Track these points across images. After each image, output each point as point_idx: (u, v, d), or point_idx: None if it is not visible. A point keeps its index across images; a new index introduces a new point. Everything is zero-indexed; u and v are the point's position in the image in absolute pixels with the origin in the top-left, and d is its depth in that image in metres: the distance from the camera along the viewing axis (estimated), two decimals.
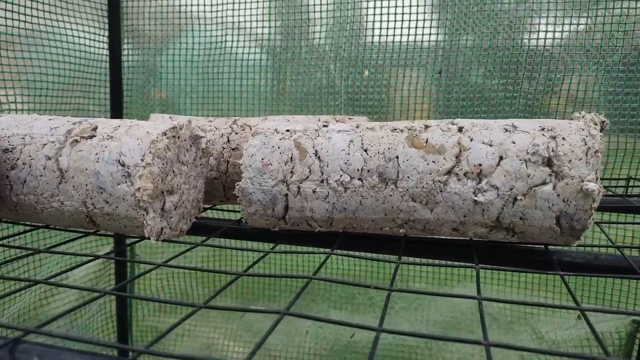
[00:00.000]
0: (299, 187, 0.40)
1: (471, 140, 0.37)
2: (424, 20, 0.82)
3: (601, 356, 0.24)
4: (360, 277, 1.04)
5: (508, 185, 0.35)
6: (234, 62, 0.94)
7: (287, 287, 1.11)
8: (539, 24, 0.77)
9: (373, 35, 0.85)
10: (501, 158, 0.36)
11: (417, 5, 0.82)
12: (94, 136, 0.40)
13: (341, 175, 0.39)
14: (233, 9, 0.93)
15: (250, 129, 0.51)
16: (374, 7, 0.84)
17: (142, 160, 0.37)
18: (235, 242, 0.48)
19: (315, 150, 0.40)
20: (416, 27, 0.83)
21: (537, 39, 0.78)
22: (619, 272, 0.40)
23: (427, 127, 0.39)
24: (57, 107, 0.89)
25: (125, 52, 0.99)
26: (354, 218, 0.40)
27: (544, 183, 0.35)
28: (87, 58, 0.93)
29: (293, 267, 1.06)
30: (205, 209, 0.57)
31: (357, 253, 0.43)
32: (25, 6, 0.78)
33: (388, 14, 0.83)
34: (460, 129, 0.38)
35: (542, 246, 0.41)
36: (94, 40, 0.94)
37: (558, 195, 0.35)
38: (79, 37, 0.91)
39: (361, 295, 1.08)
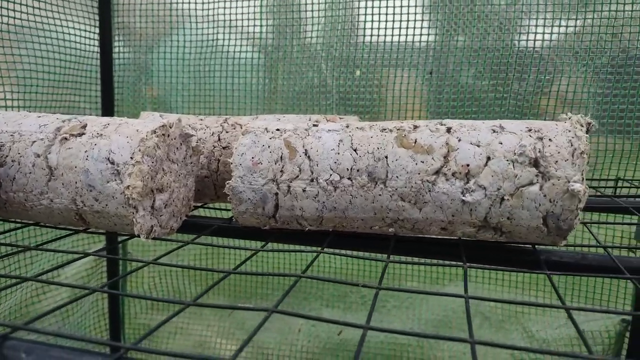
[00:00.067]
0: (289, 186, 0.40)
1: (459, 140, 0.37)
2: (415, 20, 0.82)
3: (584, 354, 0.25)
4: (352, 275, 1.04)
5: (495, 186, 0.36)
6: (226, 60, 0.94)
7: (279, 285, 1.11)
8: (529, 25, 0.78)
9: (364, 35, 0.85)
10: (489, 158, 0.36)
11: (409, 6, 0.82)
12: (84, 134, 0.40)
13: (331, 175, 0.39)
14: (224, 7, 0.93)
15: (241, 128, 0.51)
16: (366, 7, 0.84)
17: (131, 158, 0.37)
18: (226, 241, 0.48)
19: (305, 150, 0.40)
20: (407, 28, 0.83)
21: (527, 40, 0.78)
22: (606, 271, 0.40)
23: (416, 127, 0.39)
24: (48, 104, 0.88)
25: (117, 50, 0.99)
26: (344, 217, 0.41)
27: (531, 183, 0.36)
28: (78, 55, 0.93)
29: (284, 265, 1.06)
30: (196, 208, 0.57)
31: (346, 252, 0.43)
32: (14, 2, 0.78)
33: (379, 14, 0.84)
34: (448, 130, 0.38)
35: (530, 246, 0.42)
36: (85, 37, 0.94)
37: (545, 196, 0.35)
38: (70, 33, 0.90)
39: (353, 294, 1.08)
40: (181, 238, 0.43)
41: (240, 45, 0.94)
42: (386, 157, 0.38)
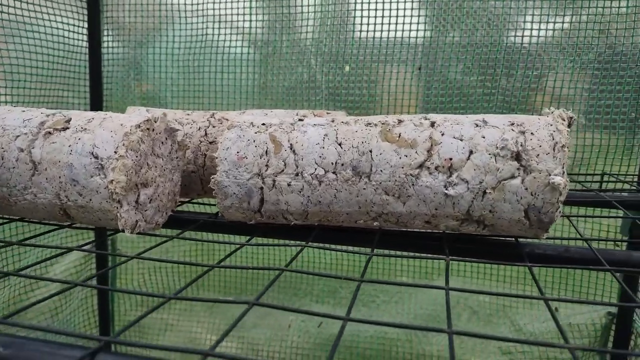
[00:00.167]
0: (274, 181, 0.40)
1: (442, 134, 0.37)
2: (404, 16, 0.82)
3: (560, 343, 0.25)
4: (341, 270, 1.05)
5: (478, 179, 0.36)
6: (215, 55, 0.93)
7: (269, 280, 1.11)
8: (517, 21, 0.78)
9: (354, 31, 0.85)
10: (471, 152, 0.36)
11: (398, 2, 0.82)
12: (68, 128, 0.40)
13: (316, 169, 0.39)
14: (214, 1, 0.92)
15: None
16: (355, 3, 0.84)
17: (115, 152, 0.37)
18: (212, 236, 0.48)
19: (291, 144, 0.40)
20: (397, 23, 0.83)
21: (515, 36, 0.79)
22: (587, 263, 0.41)
23: (400, 121, 0.39)
24: (36, 99, 0.88)
25: (106, 45, 0.98)
26: (329, 211, 0.41)
27: (513, 177, 0.36)
28: (66, 50, 0.92)
29: (272, 260, 1.06)
30: (182, 203, 0.57)
31: (331, 245, 0.43)
32: None
33: (369, 9, 0.84)
34: (432, 124, 0.38)
35: (513, 239, 0.42)
36: (74, 32, 0.93)
37: (526, 189, 0.36)
38: (58, 28, 0.90)
39: (343, 290, 1.09)
40: (167, 233, 0.43)
41: (230, 41, 0.93)
42: (370, 151, 0.39)
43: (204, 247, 1.08)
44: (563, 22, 0.76)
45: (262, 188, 0.41)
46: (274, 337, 1.10)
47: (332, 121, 0.42)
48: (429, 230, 0.43)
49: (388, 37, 0.84)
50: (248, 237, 0.43)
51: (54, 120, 0.41)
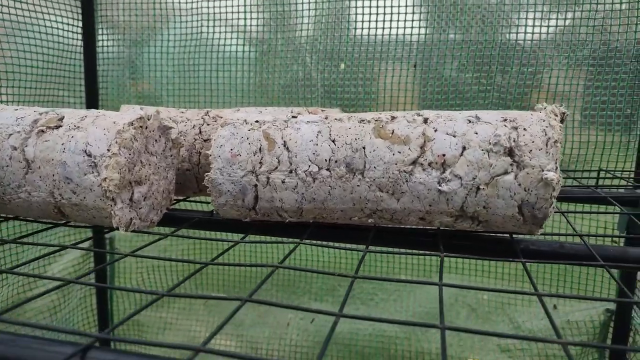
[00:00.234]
0: (268, 178, 0.40)
1: (435, 131, 0.37)
2: (399, 14, 0.82)
3: (551, 338, 0.25)
4: (338, 267, 1.05)
5: (471, 175, 0.36)
6: (210, 53, 0.93)
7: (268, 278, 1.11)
8: (511, 18, 0.78)
9: (349, 29, 0.85)
10: (464, 148, 0.36)
11: None
12: (61, 126, 0.39)
13: (309, 166, 0.39)
14: (209, 0, 0.92)
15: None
16: (349, 0, 0.84)
17: (108, 150, 0.37)
18: (207, 234, 0.48)
19: (284, 141, 0.40)
20: (391, 21, 0.83)
21: (509, 33, 0.79)
22: (581, 259, 0.41)
23: (393, 118, 0.39)
24: (32, 98, 0.88)
25: (100, 43, 0.98)
26: (323, 208, 0.41)
27: (506, 172, 0.36)
28: (61, 49, 0.92)
29: (268, 258, 1.06)
30: (178, 201, 0.57)
31: (325, 242, 0.43)
32: None
33: (363, 7, 0.84)
34: (425, 120, 0.38)
35: (508, 235, 0.42)
36: (69, 30, 0.93)
37: (519, 185, 0.36)
38: (53, 27, 0.89)
39: (342, 288, 1.09)
40: (162, 231, 0.43)
41: (225, 39, 0.93)
42: (364, 147, 0.39)
43: (202, 246, 1.08)
44: (557, 19, 0.76)
45: (256, 185, 0.41)
46: (273, 336, 1.10)
47: (326, 118, 0.42)
48: (424, 227, 0.43)
49: (383, 35, 0.84)
50: (243, 235, 0.43)
51: (47, 118, 0.41)
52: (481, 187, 0.36)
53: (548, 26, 0.77)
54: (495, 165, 0.36)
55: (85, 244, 0.42)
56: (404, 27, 0.83)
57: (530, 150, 0.35)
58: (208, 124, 0.51)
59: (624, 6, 0.73)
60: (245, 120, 0.42)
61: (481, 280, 1.00)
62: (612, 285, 0.92)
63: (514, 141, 0.36)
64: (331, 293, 1.10)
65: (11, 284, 0.90)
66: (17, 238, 0.42)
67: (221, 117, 0.52)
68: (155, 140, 0.42)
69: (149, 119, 0.41)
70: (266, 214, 0.43)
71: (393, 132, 0.38)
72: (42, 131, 0.39)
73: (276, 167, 0.40)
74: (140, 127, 0.40)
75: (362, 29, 0.84)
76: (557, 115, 0.37)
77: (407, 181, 0.38)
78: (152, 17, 0.95)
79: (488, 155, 0.36)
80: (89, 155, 0.38)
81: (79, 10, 0.94)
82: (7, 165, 0.40)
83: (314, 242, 0.41)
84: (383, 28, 0.84)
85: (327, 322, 1.08)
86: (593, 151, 0.81)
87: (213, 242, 1.06)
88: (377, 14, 0.83)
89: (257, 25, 0.91)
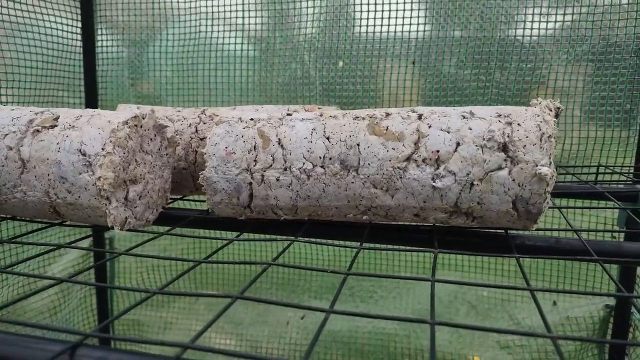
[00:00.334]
0: (262, 176, 0.40)
1: (429, 127, 0.37)
2: (397, 10, 0.82)
3: (539, 332, 0.25)
4: (336, 266, 1.05)
5: (465, 171, 0.36)
6: (209, 52, 0.93)
7: (267, 277, 1.11)
8: (509, 14, 0.78)
9: (347, 27, 0.85)
10: (458, 144, 0.36)
11: None
12: (56, 126, 0.40)
13: (304, 163, 0.39)
14: None
15: None
16: None
17: (102, 149, 0.37)
18: (202, 232, 0.48)
19: (279, 139, 0.40)
20: (389, 18, 0.83)
21: (508, 29, 0.79)
22: (577, 254, 0.41)
23: (387, 114, 0.39)
24: (32, 99, 0.88)
25: (100, 43, 0.98)
26: (318, 205, 0.41)
27: (500, 168, 0.36)
28: (61, 50, 0.92)
29: (264, 256, 1.07)
30: (174, 200, 0.57)
31: (320, 240, 0.43)
32: None
33: (361, 4, 0.84)
34: (419, 117, 0.38)
35: (503, 231, 0.42)
36: (68, 31, 0.93)
37: (513, 180, 0.36)
38: (52, 27, 0.90)
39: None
40: (157, 230, 0.43)
41: (224, 38, 0.93)
42: (358, 144, 0.39)
43: (201, 245, 1.08)
44: (556, 14, 0.76)
45: (250, 183, 0.41)
46: (273, 334, 1.10)
47: (321, 115, 0.42)
48: (419, 224, 0.43)
49: (381, 32, 0.83)
50: (238, 233, 0.43)
51: (42, 118, 0.41)
52: (475, 182, 0.36)
53: (547, 22, 0.77)
54: (489, 160, 0.36)
55: (86, 244, 0.42)
56: (402, 24, 0.83)
57: (525, 146, 0.35)
58: (204, 123, 0.51)
59: (623, 0, 0.73)
60: (240, 118, 0.42)
61: (480, 277, 1.00)
62: (611, 281, 0.91)
63: (508, 136, 0.36)
64: (331, 291, 1.10)
65: (10, 285, 0.91)
66: (11, 238, 0.42)
67: (217, 116, 0.52)
68: (151, 139, 0.42)
69: (143, 118, 0.41)
70: (261, 212, 0.43)
71: (387, 128, 0.38)
72: (38, 131, 0.40)
73: (271, 165, 0.40)
74: (135, 125, 0.40)
75: (361, 26, 0.84)
76: (551, 110, 0.37)
77: (401, 178, 0.38)
78: (151, 17, 0.95)
79: (482, 150, 0.36)
80: (84, 155, 0.38)
81: (78, 11, 0.94)
82: (3, 166, 0.40)
83: (309, 239, 0.41)
84: (381, 25, 0.83)
85: (328, 321, 1.08)
86: (592, 147, 0.80)
87: (212, 241, 1.06)
88: (376, 11, 0.83)
89: (256, 24, 0.91)
